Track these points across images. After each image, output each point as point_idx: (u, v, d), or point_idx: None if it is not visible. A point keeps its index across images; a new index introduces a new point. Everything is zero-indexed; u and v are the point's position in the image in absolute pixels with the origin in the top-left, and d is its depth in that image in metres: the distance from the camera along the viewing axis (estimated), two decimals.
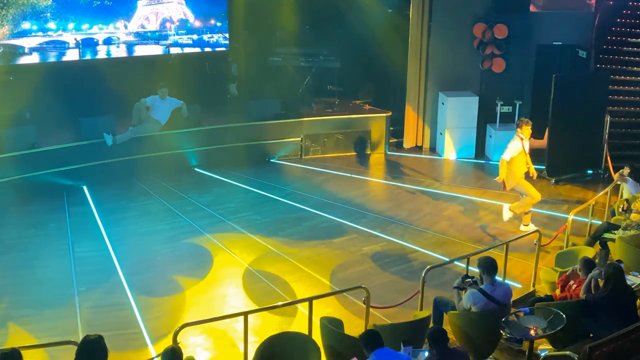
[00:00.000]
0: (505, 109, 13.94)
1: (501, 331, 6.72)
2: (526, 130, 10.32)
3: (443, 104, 14.19)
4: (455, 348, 6.29)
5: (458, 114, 13.97)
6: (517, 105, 13.83)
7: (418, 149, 14.68)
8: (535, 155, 13.68)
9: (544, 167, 12.98)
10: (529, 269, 9.11)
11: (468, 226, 10.91)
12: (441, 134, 14.30)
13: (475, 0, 13.90)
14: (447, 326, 7.15)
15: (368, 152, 14.30)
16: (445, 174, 13.39)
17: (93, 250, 9.95)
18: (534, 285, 8.81)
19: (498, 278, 7.36)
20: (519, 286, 8.92)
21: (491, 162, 13.87)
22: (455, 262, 8.86)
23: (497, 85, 14.00)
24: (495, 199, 11.95)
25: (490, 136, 14.07)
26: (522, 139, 10.37)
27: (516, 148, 10.37)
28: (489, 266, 7.09)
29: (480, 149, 14.22)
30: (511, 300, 7.38)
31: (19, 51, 12.70)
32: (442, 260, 9.36)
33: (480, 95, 14.13)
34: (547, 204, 11.75)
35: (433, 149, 14.57)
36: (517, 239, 9.16)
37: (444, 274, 9.00)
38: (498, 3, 13.78)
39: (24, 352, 5.68)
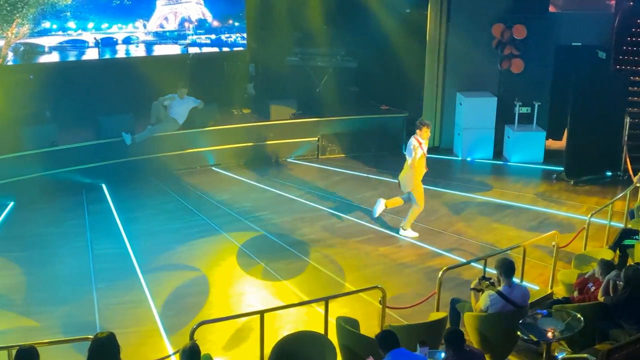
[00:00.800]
0: (524, 109, 13.86)
1: (518, 333, 6.69)
2: (425, 132, 10.09)
3: (461, 104, 14.14)
4: (471, 349, 6.27)
5: (476, 114, 13.91)
6: (536, 106, 13.74)
7: (435, 149, 14.61)
8: (554, 156, 13.72)
9: (562, 169, 12.91)
10: (547, 271, 9.06)
11: (485, 227, 10.86)
12: (458, 134, 14.25)
13: (494, 1, 13.83)
14: (463, 328, 7.13)
15: (385, 152, 14.27)
16: (462, 175, 13.32)
17: (111, 247, 10.02)
18: (551, 288, 8.76)
19: (515, 280, 7.33)
20: (537, 288, 8.86)
21: (509, 164, 13.81)
22: (472, 264, 8.82)
23: (515, 86, 13.91)
24: (513, 200, 11.90)
25: (509, 137, 14.00)
26: (420, 142, 10.12)
27: (417, 147, 10.08)
28: (506, 268, 7.07)
29: (498, 150, 14.15)
30: (529, 302, 7.35)
31: (39, 50, 12.82)
32: (459, 261, 9.34)
33: (499, 95, 14.07)
34: (566, 206, 11.67)
35: (450, 150, 14.52)
36: (535, 240, 9.11)
37: (460, 275, 8.97)
38: (517, 3, 13.71)
39: (41, 348, 5.74)
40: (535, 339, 6.69)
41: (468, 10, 13.91)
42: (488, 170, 13.68)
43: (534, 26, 13.63)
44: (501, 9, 13.79)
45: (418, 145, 10.08)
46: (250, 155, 13.56)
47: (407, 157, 10.18)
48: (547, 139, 14.01)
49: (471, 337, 7.15)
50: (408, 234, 10.47)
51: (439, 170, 13.45)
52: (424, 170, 10.31)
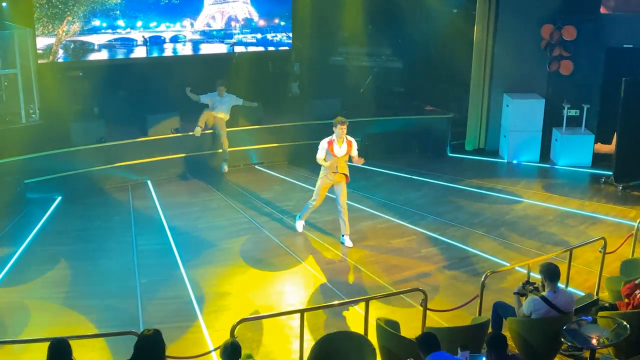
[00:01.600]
0: (572, 112, 13.61)
1: (562, 339, 6.57)
2: (340, 130, 9.60)
3: (507, 106, 13.95)
4: (514, 355, 6.19)
5: (523, 116, 13.70)
6: (585, 108, 13.48)
7: (480, 151, 14.47)
8: (603, 160, 13.44)
9: (611, 173, 12.63)
10: (593, 276, 8.87)
11: (530, 231, 10.69)
12: (505, 136, 14.06)
13: (543, 1, 13.60)
14: (506, 332, 7.03)
15: (429, 153, 14.15)
16: (507, 178, 13.14)
17: (155, 243, 10.15)
18: (597, 294, 8.57)
19: (560, 285, 7.20)
20: (582, 294, 8.68)
21: (556, 167, 13.58)
22: (516, 268, 8.69)
23: (564, 88, 13.67)
24: (559, 204, 11.70)
25: (556, 140, 13.76)
26: (331, 142, 9.72)
27: (322, 147, 9.76)
28: (551, 273, 6.94)
29: (545, 153, 13.92)
30: (573, 308, 7.21)
31: (88, 48, 13.08)
32: (503, 265, 9.21)
33: (547, 97, 13.83)
34: (614, 210, 11.42)
35: (496, 152, 14.34)
36: (581, 245, 8.93)
37: (504, 279, 8.84)
38: (567, 4, 13.45)
39: (85, 341, 5.82)
40: (578, 346, 6.56)
41: (516, 11, 13.71)
42: (534, 173, 13.48)
43: (585, 27, 13.36)
44: (551, 9, 13.54)
45: (327, 147, 9.74)
46: (293, 154, 13.59)
47: None
48: (595, 142, 13.74)
49: (513, 342, 7.05)
50: (298, 225, 10.44)
51: (484, 173, 13.33)
52: (336, 173, 9.88)
